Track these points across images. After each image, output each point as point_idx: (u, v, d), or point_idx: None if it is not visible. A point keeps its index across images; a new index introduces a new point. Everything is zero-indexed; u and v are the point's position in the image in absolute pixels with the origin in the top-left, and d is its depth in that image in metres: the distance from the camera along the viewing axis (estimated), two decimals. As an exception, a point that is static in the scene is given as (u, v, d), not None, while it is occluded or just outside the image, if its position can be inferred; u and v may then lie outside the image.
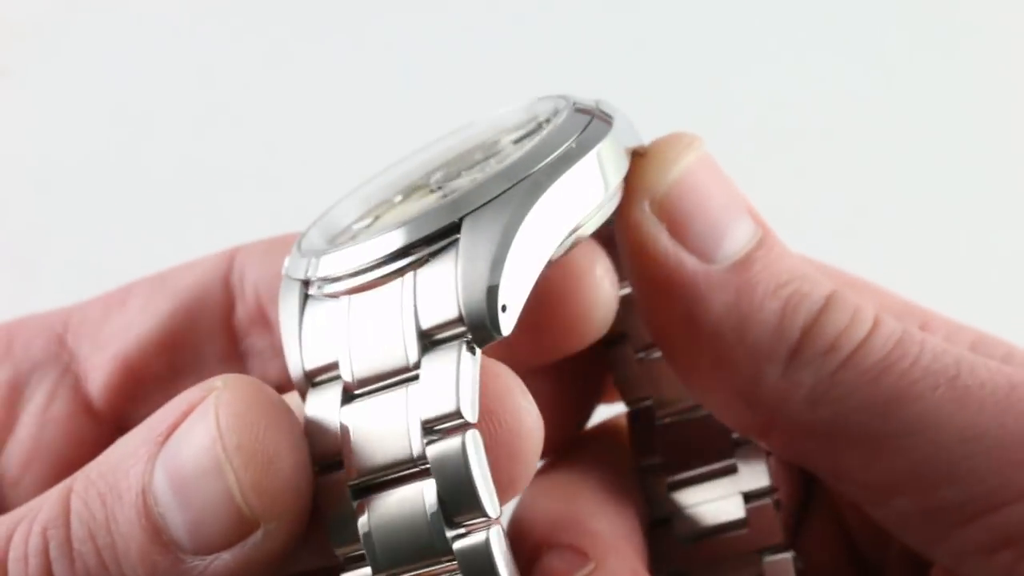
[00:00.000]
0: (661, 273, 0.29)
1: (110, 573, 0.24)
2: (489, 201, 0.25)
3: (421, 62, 0.59)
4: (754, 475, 0.32)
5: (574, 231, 0.26)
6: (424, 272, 0.25)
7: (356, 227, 0.29)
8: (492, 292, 0.24)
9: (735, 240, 0.29)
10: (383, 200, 0.30)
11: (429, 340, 0.25)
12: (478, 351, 0.24)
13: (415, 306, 0.25)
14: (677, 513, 0.33)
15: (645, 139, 0.29)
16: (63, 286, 0.35)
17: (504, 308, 0.24)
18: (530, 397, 0.26)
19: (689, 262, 0.29)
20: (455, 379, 0.24)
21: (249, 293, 0.32)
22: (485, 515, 0.24)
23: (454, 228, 0.25)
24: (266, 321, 0.32)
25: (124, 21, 0.61)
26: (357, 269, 0.26)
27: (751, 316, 0.28)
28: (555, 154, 0.26)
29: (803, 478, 0.33)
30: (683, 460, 0.33)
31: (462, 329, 0.25)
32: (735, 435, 0.32)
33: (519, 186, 0.25)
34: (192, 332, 0.32)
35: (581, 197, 0.26)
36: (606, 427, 0.35)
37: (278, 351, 0.30)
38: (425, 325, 0.25)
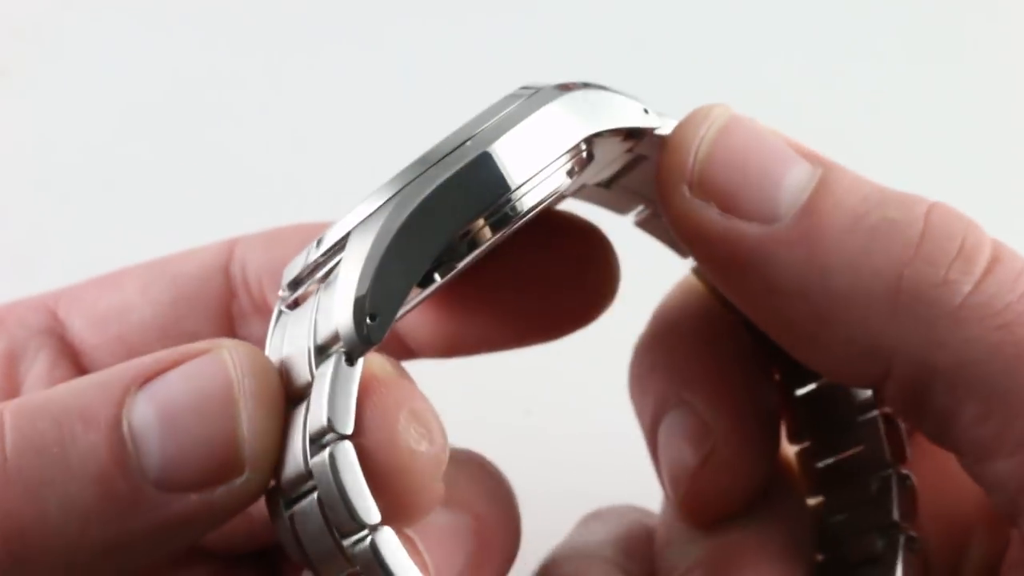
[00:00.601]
0: (726, 251, 0.27)
1: (54, 488, 0.24)
2: (373, 212, 0.25)
3: (428, 60, 0.59)
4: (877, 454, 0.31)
5: (496, 214, 0.26)
6: (324, 289, 0.26)
7: None
8: (359, 303, 0.24)
9: (792, 188, 0.26)
10: None
11: (323, 356, 0.25)
12: (359, 362, 0.25)
13: (315, 320, 0.25)
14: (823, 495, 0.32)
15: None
16: (63, 286, 0.35)
17: (373, 317, 0.24)
18: (420, 430, 0.25)
19: (750, 230, 0.26)
20: (327, 392, 0.24)
21: (252, 282, 0.32)
22: (363, 523, 0.24)
23: (344, 242, 0.25)
24: (268, 309, 0.32)
25: (125, 21, 0.61)
26: (285, 284, 0.27)
27: (831, 261, 0.26)
28: (463, 144, 0.25)
29: None
30: (839, 502, 0.32)
31: (340, 343, 0.25)
32: (873, 476, 0.31)
33: (408, 188, 0.25)
34: (192, 320, 0.32)
35: (491, 182, 0.25)
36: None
37: None
38: (319, 341, 0.25)
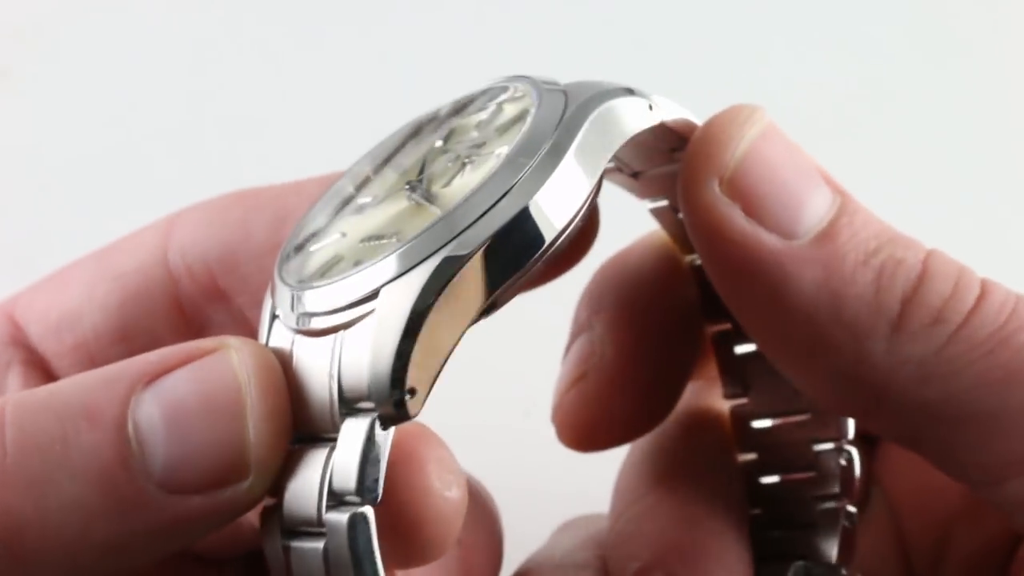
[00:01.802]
0: (741, 255, 0.27)
1: (55, 487, 0.24)
2: (408, 270, 0.24)
3: (421, 54, 0.59)
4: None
5: (543, 254, 0.25)
6: (351, 334, 0.25)
7: (316, 244, 0.28)
8: (398, 379, 0.24)
9: (815, 210, 0.27)
10: (349, 203, 0.29)
11: (349, 407, 0.25)
12: (391, 429, 0.24)
13: (340, 369, 0.25)
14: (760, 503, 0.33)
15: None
16: (18, 290, 0.35)
17: (412, 392, 0.24)
18: (449, 477, 0.25)
19: (770, 240, 0.27)
20: (359, 457, 0.24)
21: (198, 269, 0.31)
22: None
23: (375, 295, 0.25)
24: (221, 293, 0.31)
25: (125, 22, 0.61)
26: (299, 313, 0.26)
27: (844, 291, 0.26)
28: (508, 194, 0.25)
29: (863, 478, 0.32)
30: (774, 463, 0.33)
31: (373, 405, 0.24)
32: (816, 447, 0.31)
33: (446, 248, 0.24)
34: (144, 318, 0.32)
35: (543, 227, 0.25)
36: (706, 415, 0.34)
37: (239, 320, 0.31)
38: (346, 392, 0.25)
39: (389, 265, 0.25)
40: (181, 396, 0.24)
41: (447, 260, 0.24)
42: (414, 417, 0.24)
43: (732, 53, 0.59)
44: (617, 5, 0.60)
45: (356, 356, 0.25)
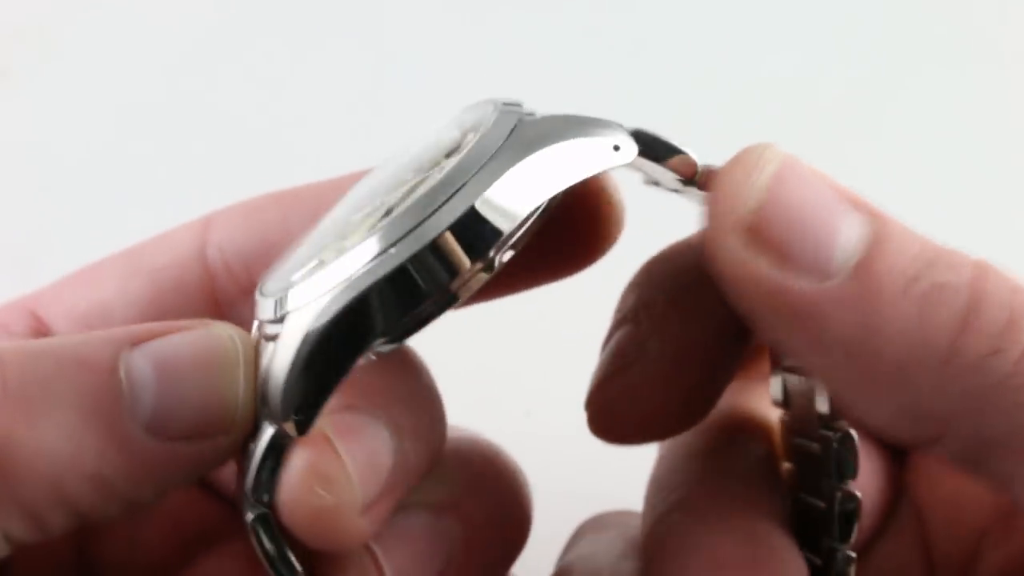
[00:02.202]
0: (776, 307, 0.25)
1: (52, 416, 0.25)
2: (316, 299, 0.25)
3: (419, 63, 0.59)
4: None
5: (466, 281, 0.25)
6: (275, 348, 0.26)
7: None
8: (286, 407, 0.25)
9: (847, 243, 0.25)
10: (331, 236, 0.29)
11: (266, 412, 0.26)
12: (288, 440, 0.26)
13: (264, 376, 0.26)
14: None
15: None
16: (42, 287, 0.35)
17: (297, 413, 0.25)
18: (322, 486, 0.26)
19: (803, 287, 0.25)
20: (256, 465, 0.26)
21: (236, 266, 0.32)
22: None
23: (283, 319, 0.26)
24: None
25: (126, 21, 0.61)
26: (257, 317, 0.27)
27: (884, 328, 0.25)
28: (422, 224, 0.25)
29: (891, 488, 0.32)
30: (805, 483, 0.32)
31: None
32: (823, 481, 0.31)
33: (343, 286, 0.25)
34: (177, 313, 0.32)
35: (453, 261, 0.25)
36: (752, 419, 0.33)
37: None
38: (265, 399, 0.26)
39: (305, 289, 0.25)
40: (173, 352, 0.26)
41: (341, 293, 0.25)
42: (302, 435, 0.26)
43: (735, 52, 0.59)
44: (619, 5, 0.60)
45: (272, 369, 0.26)
